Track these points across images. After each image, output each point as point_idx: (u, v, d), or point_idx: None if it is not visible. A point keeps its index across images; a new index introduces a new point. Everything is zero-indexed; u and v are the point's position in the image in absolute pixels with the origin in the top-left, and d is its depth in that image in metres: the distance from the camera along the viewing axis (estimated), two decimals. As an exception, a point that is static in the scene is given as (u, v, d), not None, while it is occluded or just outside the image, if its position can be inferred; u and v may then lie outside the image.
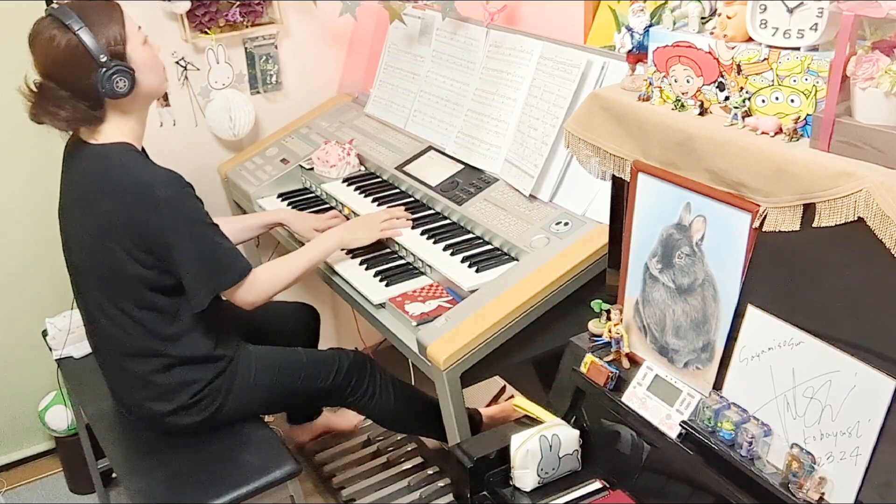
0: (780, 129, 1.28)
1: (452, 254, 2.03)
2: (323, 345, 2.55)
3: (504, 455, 1.56)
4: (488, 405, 2.69)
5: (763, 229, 1.28)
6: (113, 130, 1.86)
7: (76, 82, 1.77)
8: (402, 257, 2.15)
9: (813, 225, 1.19)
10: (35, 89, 1.82)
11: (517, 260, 1.94)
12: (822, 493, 1.20)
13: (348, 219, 2.35)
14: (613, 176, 1.56)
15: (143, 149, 1.94)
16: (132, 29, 1.83)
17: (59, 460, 2.79)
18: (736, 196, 1.32)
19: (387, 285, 2.03)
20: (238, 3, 2.69)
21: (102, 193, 1.81)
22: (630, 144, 1.49)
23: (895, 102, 1.13)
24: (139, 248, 1.80)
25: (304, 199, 2.54)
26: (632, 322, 1.56)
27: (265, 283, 1.93)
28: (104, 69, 1.77)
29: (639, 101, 1.48)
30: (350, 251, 2.18)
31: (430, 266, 2.04)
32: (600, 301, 1.62)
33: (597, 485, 1.55)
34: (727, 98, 1.35)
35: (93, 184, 1.84)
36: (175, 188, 1.79)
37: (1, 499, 2.74)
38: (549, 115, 2.03)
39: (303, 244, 2.28)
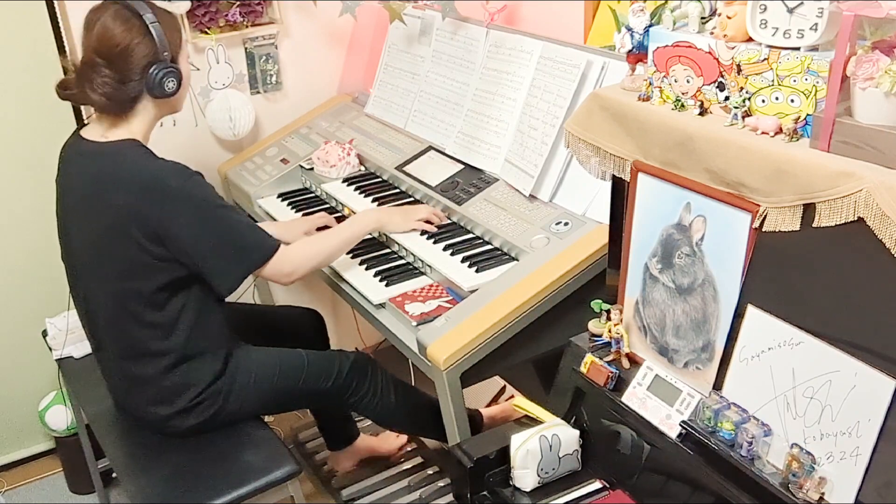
0: (780, 129, 1.28)
1: (452, 254, 2.03)
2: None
3: (504, 455, 1.56)
4: (488, 405, 2.69)
5: (763, 229, 1.28)
6: (125, 129, 1.87)
7: (129, 69, 1.79)
8: (402, 257, 2.15)
9: (813, 225, 1.19)
10: (80, 64, 1.82)
11: (517, 260, 1.94)
12: (822, 493, 1.20)
13: (346, 218, 2.35)
14: (613, 176, 1.56)
15: None
16: (185, 43, 1.91)
17: (59, 460, 2.79)
18: (736, 196, 1.32)
19: (387, 285, 2.03)
20: (238, 3, 2.69)
21: (113, 189, 1.81)
22: (630, 144, 1.49)
23: (895, 102, 1.13)
24: (152, 241, 1.79)
25: (305, 199, 2.54)
26: (632, 322, 1.56)
27: (301, 257, 1.93)
28: (162, 65, 1.80)
29: (639, 101, 1.48)
30: (350, 251, 2.17)
31: (430, 266, 2.04)
32: (600, 301, 1.62)
33: (597, 485, 1.55)
34: (727, 98, 1.35)
35: (102, 180, 1.83)
36: (185, 177, 1.80)
37: (1, 499, 2.74)
38: (549, 115, 2.03)
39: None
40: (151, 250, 1.80)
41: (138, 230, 1.79)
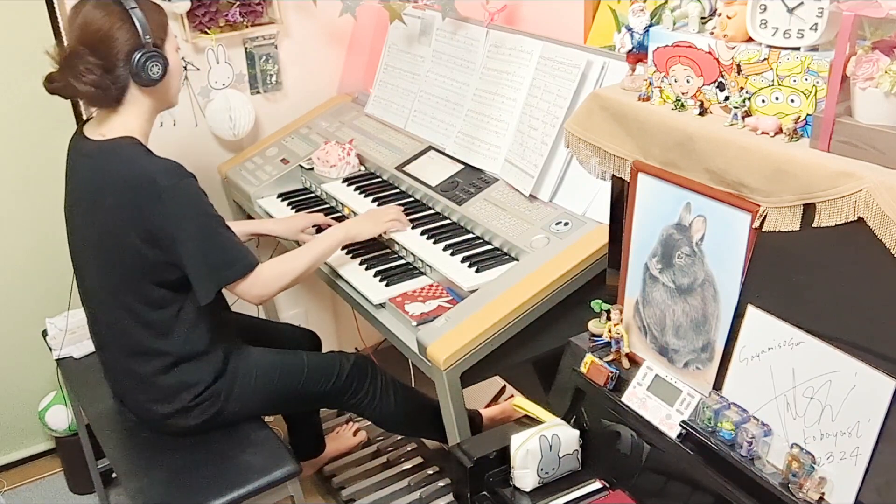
0: (780, 129, 1.28)
1: (452, 254, 2.03)
2: (324, 345, 2.55)
3: (504, 455, 1.56)
4: (488, 405, 2.69)
5: (763, 229, 1.28)
6: (120, 125, 1.86)
7: (113, 55, 1.79)
8: (402, 257, 2.15)
9: (813, 225, 1.19)
10: (65, 55, 1.81)
11: (517, 260, 1.94)
12: (822, 493, 1.20)
13: (345, 218, 2.35)
14: (613, 176, 1.56)
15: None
16: (171, 33, 1.90)
17: (59, 460, 2.79)
18: (736, 196, 1.32)
19: (387, 285, 2.03)
20: (238, 3, 2.69)
21: (107, 188, 1.81)
22: (630, 144, 1.49)
23: (895, 102, 1.13)
24: (145, 241, 1.79)
25: (304, 199, 2.54)
26: (632, 322, 1.56)
27: (271, 277, 1.92)
28: (145, 50, 1.80)
29: (639, 101, 1.48)
30: (350, 251, 2.18)
31: (430, 266, 2.04)
32: (600, 301, 1.62)
33: (597, 485, 1.55)
34: (727, 98, 1.35)
35: (97, 179, 1.84)
36: (177, 177, 1.79)
37: (1, 499, 2.74)
38: (549, 115, 2.03)
39: (299, 243, 2.28)
40: (146, 253, 1.80)
41: (133, 232, 1.79)
